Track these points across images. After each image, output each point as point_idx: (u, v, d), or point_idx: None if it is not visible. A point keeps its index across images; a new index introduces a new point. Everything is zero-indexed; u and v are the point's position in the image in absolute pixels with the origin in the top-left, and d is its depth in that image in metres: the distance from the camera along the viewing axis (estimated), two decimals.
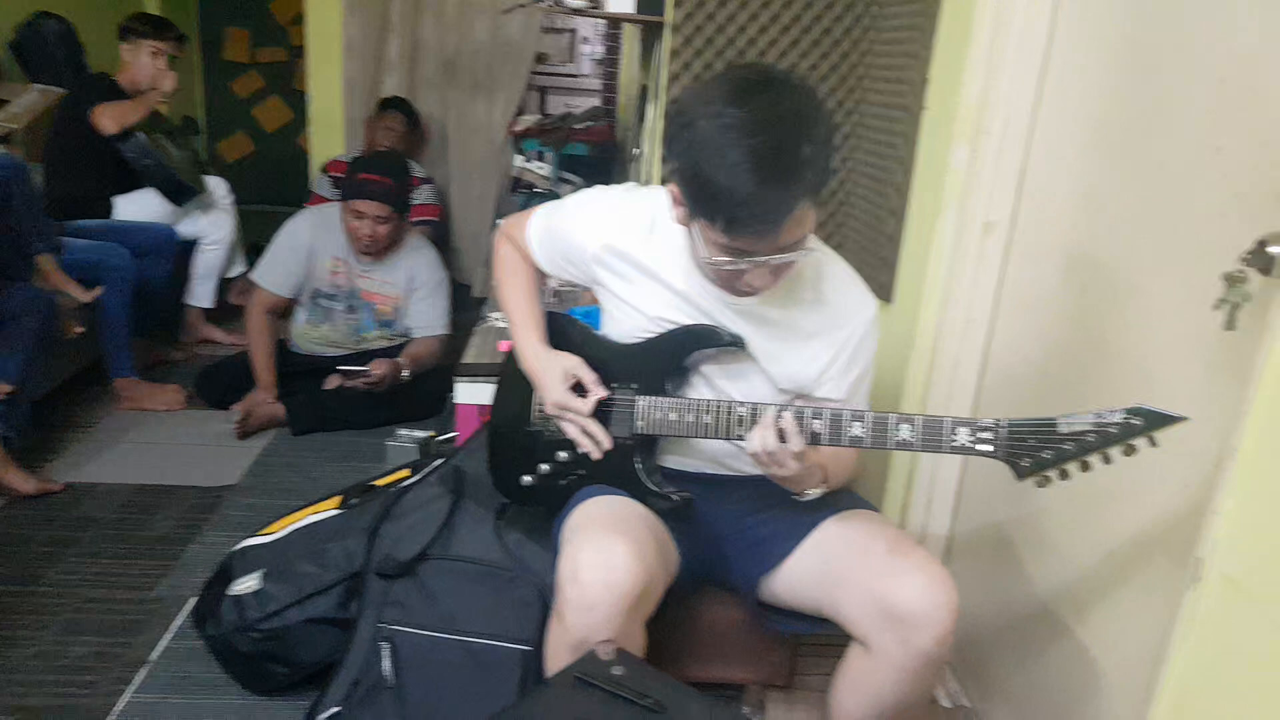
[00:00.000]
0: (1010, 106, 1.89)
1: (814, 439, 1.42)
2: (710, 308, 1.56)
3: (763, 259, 1.36)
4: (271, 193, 5.90)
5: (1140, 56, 1.57)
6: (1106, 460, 1.27)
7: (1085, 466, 1.28)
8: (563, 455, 1.66)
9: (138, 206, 3.77)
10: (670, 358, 1.58)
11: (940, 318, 2.07)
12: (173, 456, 3.10)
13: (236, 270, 4.25)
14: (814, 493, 1.51)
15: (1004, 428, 1.31)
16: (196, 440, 3.24)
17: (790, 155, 1.27)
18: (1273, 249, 1.08)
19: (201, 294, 4.09)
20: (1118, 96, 1.63)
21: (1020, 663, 1.88)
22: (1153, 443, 1.23)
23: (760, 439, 1.41)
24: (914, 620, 1.36)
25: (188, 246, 3.97)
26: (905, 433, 1.36)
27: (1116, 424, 1.24)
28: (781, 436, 1.40)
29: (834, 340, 1.57)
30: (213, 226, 4.02)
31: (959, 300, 2.04)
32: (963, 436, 1.33)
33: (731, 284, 1.45)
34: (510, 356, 1.79)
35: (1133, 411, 1.23)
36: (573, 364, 1.61)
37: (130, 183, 3.74)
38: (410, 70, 4.84)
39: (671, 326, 1.58)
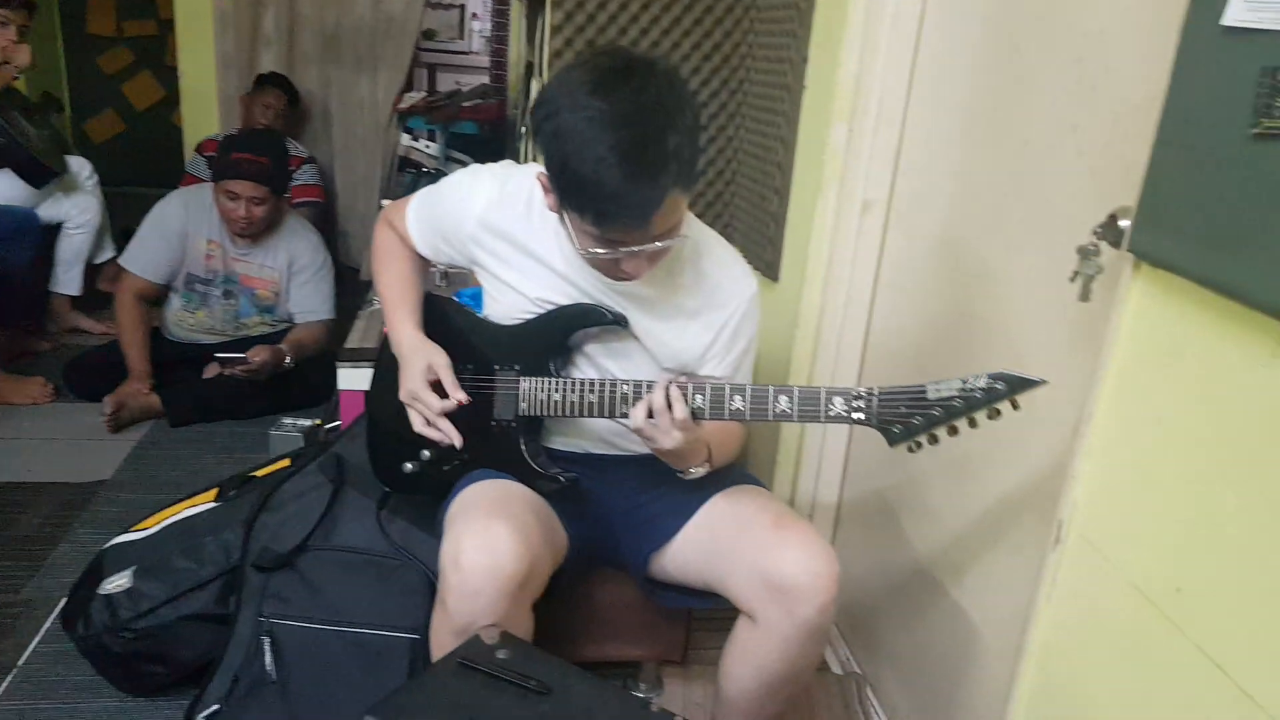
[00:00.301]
0: (885, 86, 1.92)
1: (696, 413, 1.43)
2: (591, 288, 1.55)
3: (636, 249, 1.35)
4: (145, 173, 5.64)
5: (1004, 36, 1.62)
6: (973, 424, 1.31)
7: (953, 431, 1.32)
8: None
9: None
10: (553, 338, 1.57)
11: (824, 296, 2.11)
12: (40, 452, 2.96)
13: (105, 255, 4.06)
14: (698, 471, 1.52)
15: (876, 396, 1.34)
16: (65, 434, 3.10)
17: (656, 147, 1.26)
18: (1123, 222, 1.12)
19: (67, 281, 3.89)
20: (984, 76, 1.67)
21: (906, 627, 1.94)
22: (1015, 406, 1.28)
23: (643, 408, 1.40)
24: (796, 592, 1.39)
25: (51, 231, 3.78)
26: (784, 404, 1.38)
27: (981, 389, 1.28)
28: (667, 405, 1.40)
29: (716, 319, 1.58)
30: (77, 210, 3.82)
31: (841, 278, 2.08)
32: (838, 406, 1.36)
33: (608, 271, 1.44)
34: (384, 342, 1.76)
35: (995, 376, 1.27)
36: (438, 361, 1.57)
37: None
38: (288, 45, 4.69)
39: (551, 307, 1.57)
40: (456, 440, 1.55)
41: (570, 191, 1.31)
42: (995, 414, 1.29)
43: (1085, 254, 1.20)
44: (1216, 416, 0.99)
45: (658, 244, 1.36)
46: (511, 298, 1.60)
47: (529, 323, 1.60)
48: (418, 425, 1.57)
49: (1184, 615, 1.02)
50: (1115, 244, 1.15)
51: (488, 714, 1.19)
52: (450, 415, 1.56)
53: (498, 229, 1.59)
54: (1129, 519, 1.12)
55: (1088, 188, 1.35)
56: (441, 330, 1.66)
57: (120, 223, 4.13)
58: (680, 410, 1.39)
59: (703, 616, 1.98)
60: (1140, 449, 1.10)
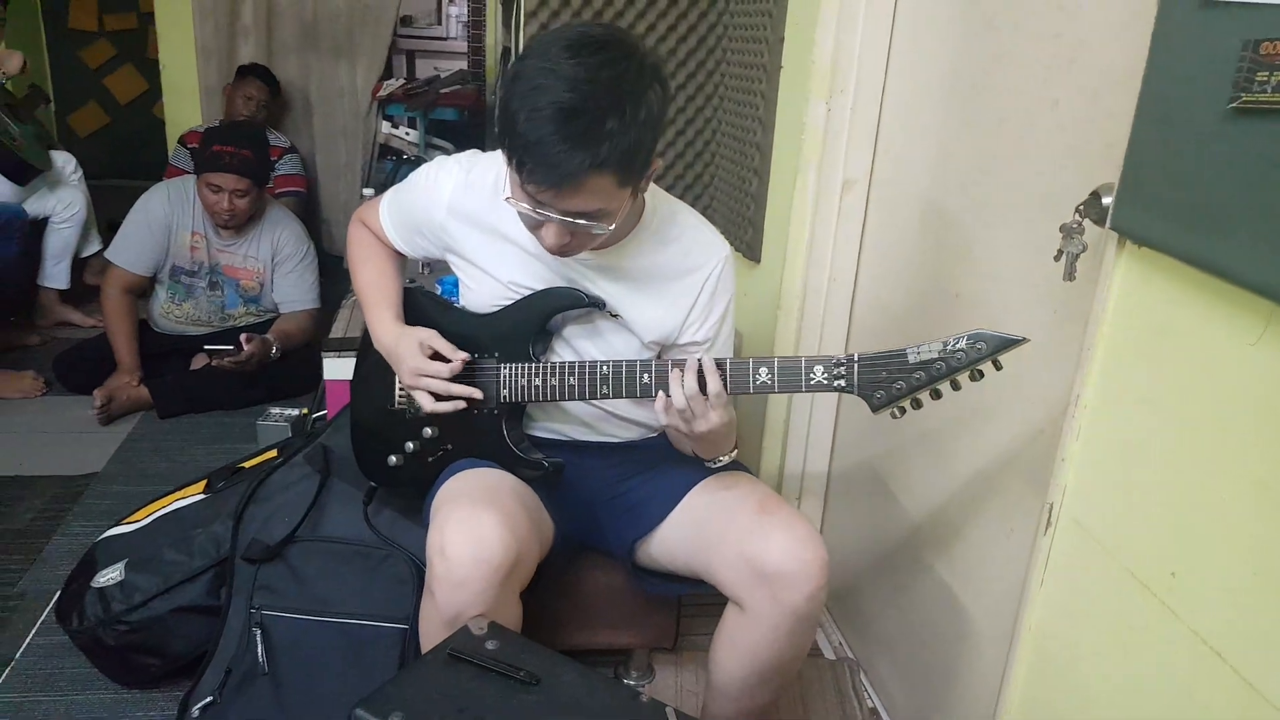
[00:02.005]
0: (862, 64, 1.91)
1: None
2: (564, 267, 1.55)
3: (555, 216, 1.34)
4: (129, 166, 5.62)
5: (982, 12, 1.60)
6: (955, 387, 1.30)
7: (936, 394, 1.32)
8: (429, 431, 1.63)
9: None
10: (531, 323, 1.56)
11: (806, 276, 2.10)
12: (32, 446, 2.95)
13: (92, 249, 4.04)
14: (726, 458, 1.52)
15: (856, 362, 1.34)
16: (56, 428, 3.09)
17: (590, 121, 1.25)
18: (1106, 199, 1.12)
19: (55, 275, 3.89)
20: (962, 53, 1.66)
21: (898, 610, 1.95)
22: (998, 366, 1.27)
23: (680, 391, 1.38)
24: (783, 579, 1.38)
25: (38, 226, 3.77)
26: (764, 375, 1.37)
27: (962, 350, 1.27)
28: (700, 384, 1.38)
29: (693, 282, 1.57)
30: (62, 204, 3.81)
31: (823, 258, 2.07)
32: (819, 374, 1.35)
33: (537, 237, 1.43)
34: (365, 336, 1.75)
35: (975, 337, 1.27)
36: (427, 335, 1.56)
37: None
38: (267, 35, 4.64)
39: (527, 292, 1.57)
40: (476, 393, 1.54)
41: (505, 132, 1.31)
42: (978, 375, 1.28)
43: (1069, 232, 1.19)
44: (1205, 396, 0.98)
45: (576, 221, 1.34)
46: (486, 283, 1.60)
47: (506, 309, 1.59)
48: (428, 404, 1.55)
49: (1178, 599, 1.02)
50: (1099, 221, 1.14)
51: (478, 705, 1.18)
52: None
53: (466, 214, 1.58)
54: (1121, 502, 1.11)
55: (1069, 164, 1.34)
56: (420, 322, 1.65)
57: (105, 216, 4.12)
58: (715, 384, 1.38)
59: (693, 602, 1.98)
60: (1129, 430, 1.10)
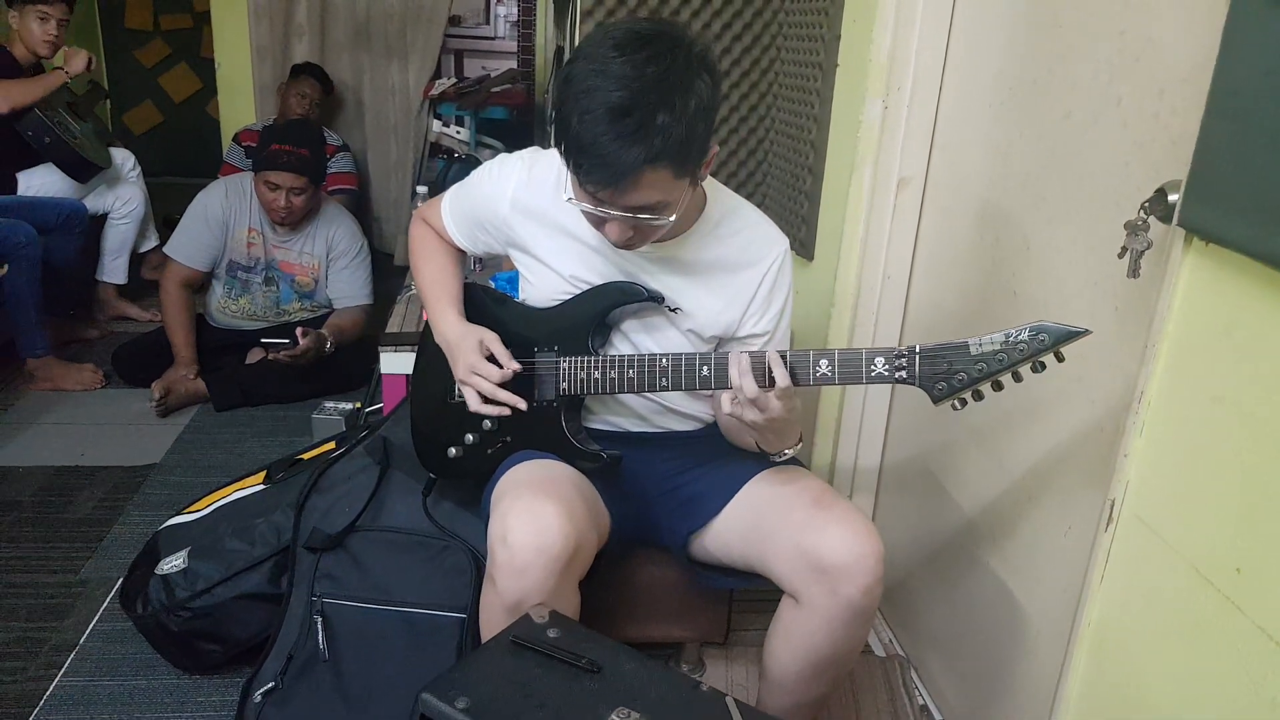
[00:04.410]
0: (920, 62, 1.92)
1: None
2: (625, 261, 1.57)
3: (615, 213, 1.36)
4: (182, 164, 5.73)
5: (1043, 10, 1.60)
6: (1017, 379, 1.30)
7: (998, 386, 1.32)
8: (488, 424, 1.65)
9: (41, 181, 3.63)
10: (591, 317, 1.59)
11: (860, 274, 2.11)
12: (92, 437, 3.02)
13: (149, 245, 4.14)
14: (791, 451, 1.52)
15: (918, 354, 1.34)
16: (116, 420, 3.16)
17: (641, 118, 1.27)
18: (1172, 196, 1.12)
19: (114, 270, 3.98)
20: (1022, 50, 1.66)
21: (950, 608, 1.94)
22: (1060, 358, 1.27)
23: (750, 382, 1.37)
24: (840, 572, 1.39)
25: (97, 222, 3.85)
26: (824, 367, 1.38)
27: (1024, 341, 1.27)
28: (769, 378, 1.38)
29: (753, 276, 1.58)
30: (121, 201, 3.90)
31: (877, 256, 2.07)
32: (880, 366, 1.36)
33: (601, 234, 1.45)
34: (426, 330, 1.78)
35: (1037, 328, 1.27)
36: (489, 337, 1.60)
37: (33, 157, 3.59)
38: (321, 34, 4.73)
39: (587, 286, 1.59)
40: (521, 404, 1.56)
41: (561, 137, 1.34)
42: (1040, 366, 1.28)
43: (1133, 229, 1.19)
44: (1272, 392, 0.98)
45: (635, 216, 1.36)
46: (548, 277, 1.62)
47: (566, 303, 1.62)
48: (474, 404, 1.58)
49: (1244, 595, 1.02)
50: (1164, 219, 1.14)
51: (541, 691, 1.20)
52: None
53: (529, 209, 1.61)
54: (1184, 498, 1.11)
55: (1133, 161, 1.34)
56: (480, 317, 1.68)
57: (160, 212, 4.20)
58: (782, 377, 1.37)
59: (744, 597, 1.99)
60: (1194, 426, 1.10)
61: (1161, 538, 1.15)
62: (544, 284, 1.63)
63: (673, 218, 1.39)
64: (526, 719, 1.15)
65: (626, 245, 1.44)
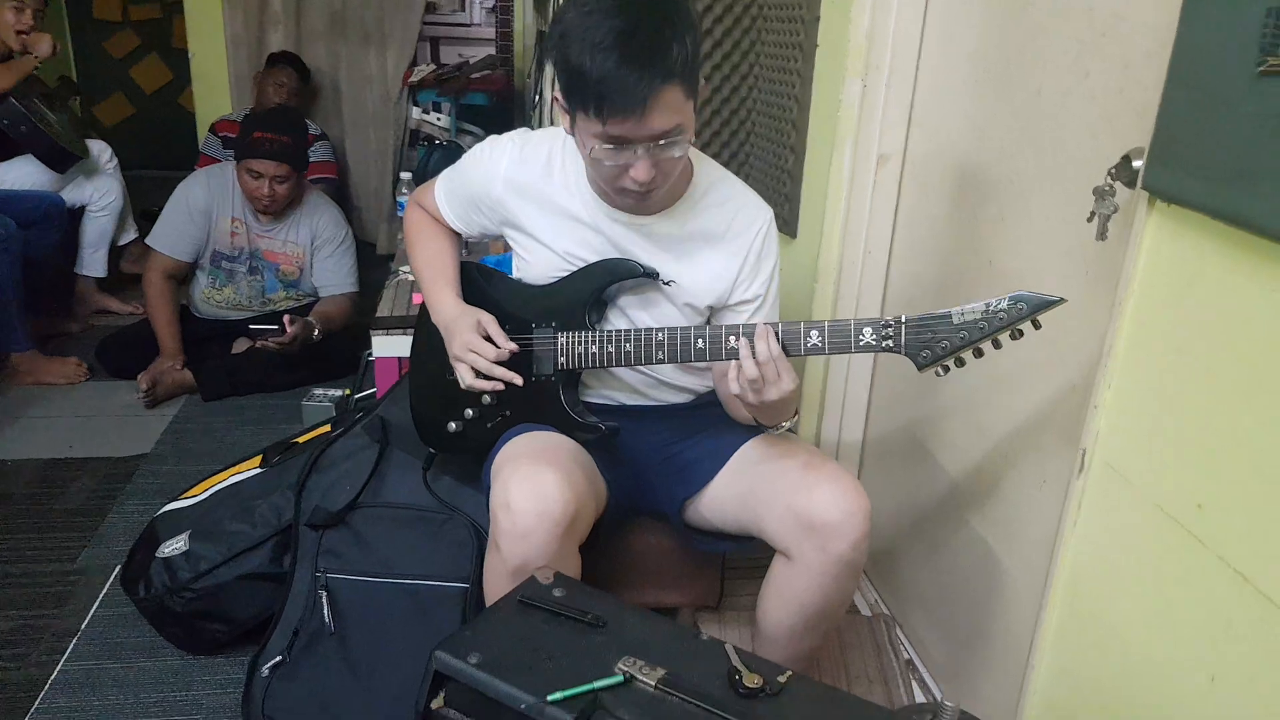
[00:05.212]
0: (897, 41, 1.97)
1: (730, 353, 1.49)
2: (618, 236, 1.62)
3: (640, 147, 1.41)
4: (155, 156, 5.71)
5: None
6: (997, 345, 1.37)
7: (979, 353, 1.39)
8: (488, 398, 1.70)
9: (18, 174, 3.62)
10: (587, 293, 1.64)
11: (842, 249, 2.17)
12: (81, 429, 3.05)
13: (128, 237, 4.14)
14: (787, 424, 1.57)
15: (904, 324, 1.41)
16: (103, 412, 3.19)
17: (650, 35, 1.34)
18: (1136, 162, 1.18)
19: (93, 263, 3.97)
20: (996, 29, 1.72)
21: (932, 566, 2.02)
22: (1036, 325, 1.34)
23: (750, 361, 1.42)
24: (830, 528, 1.46)
25: (75, 215, 3.85)
26: (815, 338, 1.44)
27: (1004, 310, 1.34)
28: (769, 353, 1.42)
29: (741, 244, 1.65)
30: (99, 193, 3.89)
31: (858, 231, 2.13)
32: (868, 335, 1.42)
33: (618, 183, 1.48)
34: (423, 310, 1.82)
35: (1016, 298, 1.34)
36: (486, 318, 1.64)
37: (8, 150, 3.59)
38: (297, 22, 4.74)
39: (582, 263, 1.64)
40: (516, 379, 1.61)
41: (575, 87, 1.39)
42: (1018, 334, 1.35)
43: (1101, 194, 1.26)
44: (1231, 341, 1.05)
45: (661, 143, 1.41)
46: (543, 254, 1.67)
47: (562, 281, 1.67)
48: (467, 379, 1.63)
49: (1204, 529, 1.09)
50: (1129, 184, 1.20)
51: (550, 645, 1.26)
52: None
53: (522, 187, 1.66)
54: (1150, 443, 1.18)
55: (1101, 132, 1.40)
56: (478, 296, 1.73)
57: (135, 206, 4.20)
58: (776, 348, 1.43)
59: (736, 564, 2.06)
60: (1158, 376, 1.17)
61: (1129, 481, 1.22)
62: (539, 261, 1.68)
63: (688, 146, 1.45)
64: (538, 670, 1.20)
65: (649, 187, 1.47)
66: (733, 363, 1.46)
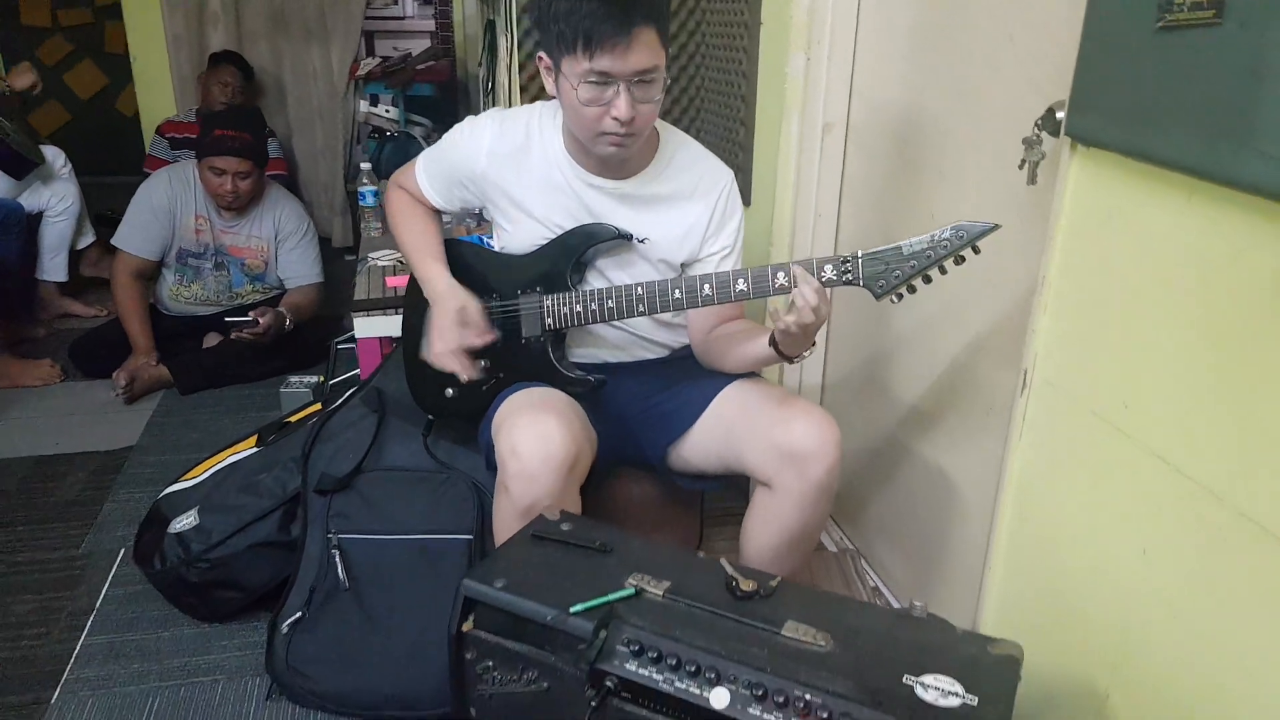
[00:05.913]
0: (836, 16, 2.14)
1: (741, 296, 1.64)
2: (593, 200, 1.77)
3: (622, 84, 1.55)
4: (96, 162, 5.66)
5: None
6: (943, 271, 1.54)
7: (927, 279, 1.56)
8: (482, 362, 1.83)
9: None
10: (568, 257, 1.78)
11: (794, 214, 2.34)
12: (64, 427, 3.11)
13: (86, 241, 4.16)
14: (808, 352, 1.68)
15: (860, 258, 1.57)
16: (82, 410, 3.25)
17: None
18: (1059, 113, 1.36)
19: (53, 268, 4.00)
20: (927, 1, 1.89)
21: (891, 500, 2.20)
22: (976, 250, 1.51)
23: (814, 288, 1.54)
24: (806, 455, 1.63)
25: (33, 221, 3.87)
26: (782, 278, 1.60)
27: (947, 238, 1.52)
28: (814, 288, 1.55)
29: (708, 202, 1.81)
30: (57, 198, 3.92)
31: (809, 196, 2.30)
32: (829, 271, 1.58)
33: (600, 126, 1.61)
34: (413, 286, 1.95)
35: (957, 228, 1.51)
36: (471, 308, 1.76)
37: None
38: (237, 21, 4.77)
39: (560, 230, 1.79)
40: (474, 373, 1.77)
41: (562, 31, 1.55)
42: (961, 260, 1.53)
43: (1029, 144, 1.43)
44: (1147, 261, 1.22)
45: (640, 81, 1.56)
46: (525, 223, 1.82)
47: (543, 248, 1.81)
48: (440, 365, 1.78)
49: (1132, 425, 1.26)
50: (1054, 132, 1.38)
51: (564, 568, 1.41)
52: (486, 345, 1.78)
53: (505, 158, 1.80)
54: (1082, 358, 1.36)
55: (1028, 91, 1.58)
56: (464, 270, 1.85)
57: (89, 210, 4.21)
58: (817, 287, 1.54)
59: (713, 511, 2.23)
60: (1088, 299, 1.34)
61: (1065, 393, 1.40)
62: (522, 229, 1.82)
63: (668, 82, 1.62)
64: (557, 589, 1.35)
65: (630, 128, 1.60)
66: (796, 297, 1.56)
